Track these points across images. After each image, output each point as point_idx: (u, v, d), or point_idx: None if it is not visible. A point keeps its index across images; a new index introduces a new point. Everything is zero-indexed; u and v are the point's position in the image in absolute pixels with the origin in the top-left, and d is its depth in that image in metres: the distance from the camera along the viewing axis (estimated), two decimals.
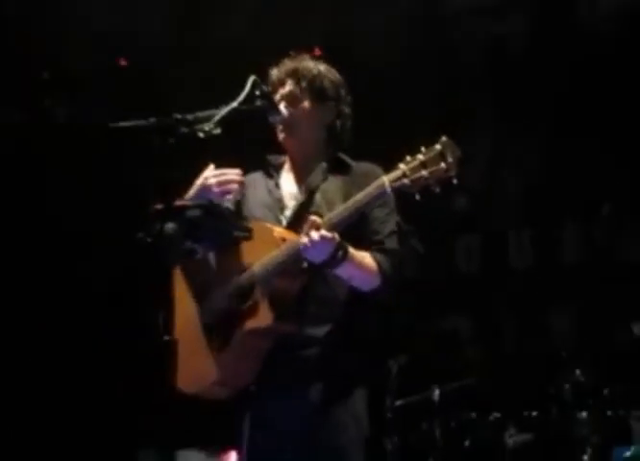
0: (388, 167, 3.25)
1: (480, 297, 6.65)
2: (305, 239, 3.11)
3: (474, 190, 6.71)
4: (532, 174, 6.66)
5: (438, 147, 3.10)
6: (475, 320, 6.63)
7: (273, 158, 3.55)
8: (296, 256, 3.17)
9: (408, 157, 3.12)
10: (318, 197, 3.39)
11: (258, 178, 3.53)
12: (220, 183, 3.26)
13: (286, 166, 3.54)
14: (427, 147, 3.11)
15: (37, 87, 5.97)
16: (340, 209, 3.19)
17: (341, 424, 3.28)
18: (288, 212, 3.42)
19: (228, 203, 3.33)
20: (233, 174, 3.30)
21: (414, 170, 3.08)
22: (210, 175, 3.28)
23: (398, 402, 5.55)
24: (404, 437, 5.54)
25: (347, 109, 3.52)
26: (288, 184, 3.49)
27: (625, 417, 5.33)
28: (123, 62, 6.26)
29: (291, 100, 3.42)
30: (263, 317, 3.21)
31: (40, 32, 5.90)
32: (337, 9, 6.37)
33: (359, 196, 3.18)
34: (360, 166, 3.47)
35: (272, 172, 3.52)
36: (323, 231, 3.10)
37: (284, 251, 3.21)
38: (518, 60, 6.70)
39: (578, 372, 5.36)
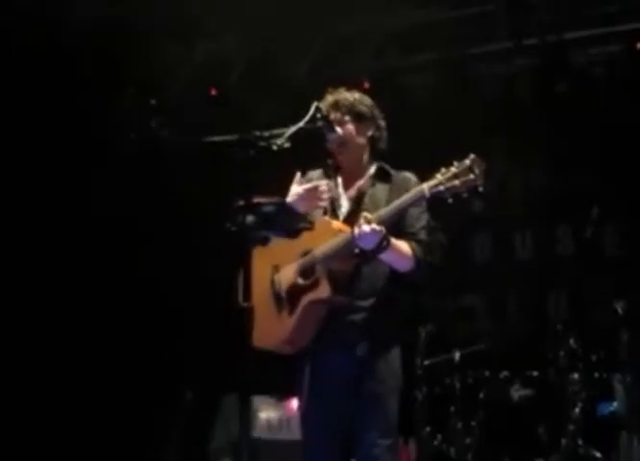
0: (423, 175, 3.24)
1: (492, 281, 6.59)
2: (358, 230, 3.10)
3: (488, 197, 6.63)
4: (534, 186, 6.59)
5: (468, 162, 3.09)
6: (487, 298, 6.57)
7: (331, 163, 3.51)
8: (350, 244, 3.17)
9: (443, 169, 3.11)
10: (367, 199, 3.39)
11: (317, 176, 3.50)
12: (313, 196, 3.27)
13: (339, 172, 3.51)
14: (458, 161, 3.09)
15: (146, 112, 6.01)
16: (388, 208, 3.19)
17: (382, 376, 3.27)
18: (344, 209, 3.41)
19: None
20: (323, 186, 3.29)
21: (449, 180, 3.08)
22: (307, 189, 3.28)
23: (426, 362, 5.51)
24: (430, 389, 5.49)
25: (382, 123, 3.49)
26: (341, 187, 3.48)
27: (608, 378, 5.24)
28: (213, 92, 6.28)
29: (338, 124, 3.38)
30: (323, 290, 3.22)
31: (148, 67, 5.97)
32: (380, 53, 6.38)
33: (403, 198, 3.18)
34: (399, 175, 3.45)
35: (331, 174, 3.50)
36: (374, 225, 3.10)
37: (341, 239, 3.20)
38: (525, 96, 6.66)
39: (571, 341, 5.27)
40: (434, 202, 3.17)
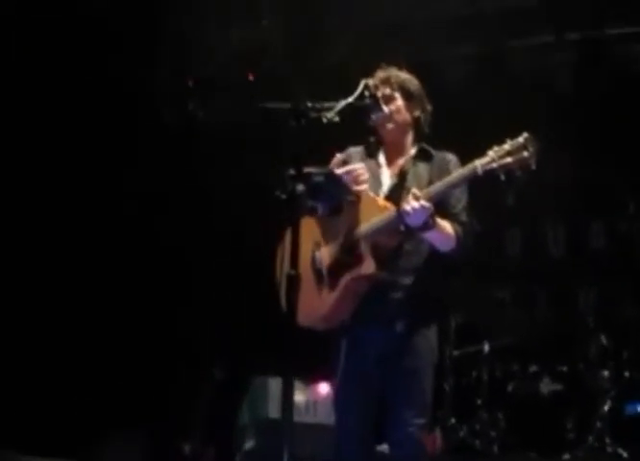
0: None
1: (523, 274, 6.59)
2: (407, 207, 3.12)
3: (521, 193, 6.65)
4: (569, 179, 6.59)
5: (521, 140, 3.11)
6: (518, 291, 6.57)
7: (374, 141, 3.54)
8: (396, 221, 3.20)
9: (496, 147, 3.12)
10: (409, 178, 3.42)
11: (359, 153, 3.54)
12: (353, 179, 3.29)
13: (382, 150, 3.55)
14: (511, 139, 3.12)
15: (184, 93, 6.07)
16: (437, 185, 3.20)
17: (419, 351, 3.31)
18: (385, 187, 3.44)
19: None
20: (360, 170, 3.32)
21: (501, 157, 3.09)
22: (343, 172, 3.30)
23: (455, 353, 5.56)
24: (458, 380, 5.53)
25: (428, 107, 3.55)
26: (384, 164, 3.52)
27: (638, 378, 5.27)
28: (251, 77, 6.32)
29: (387, 100, 3.42)
30: (367, 267, 3.24)
31: (187, 48, 6.02)
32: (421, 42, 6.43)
33: (454, 175, 3.20)
34: (440, 155, 3.49)
35: (373, 151, 3.53)
36: (423, 201, 3.12)
37: (387, 216, 3.23)
38: (564, 91, 6.69)
39: (602, 337, 5.30)
40: (485, 180, 3.16)
